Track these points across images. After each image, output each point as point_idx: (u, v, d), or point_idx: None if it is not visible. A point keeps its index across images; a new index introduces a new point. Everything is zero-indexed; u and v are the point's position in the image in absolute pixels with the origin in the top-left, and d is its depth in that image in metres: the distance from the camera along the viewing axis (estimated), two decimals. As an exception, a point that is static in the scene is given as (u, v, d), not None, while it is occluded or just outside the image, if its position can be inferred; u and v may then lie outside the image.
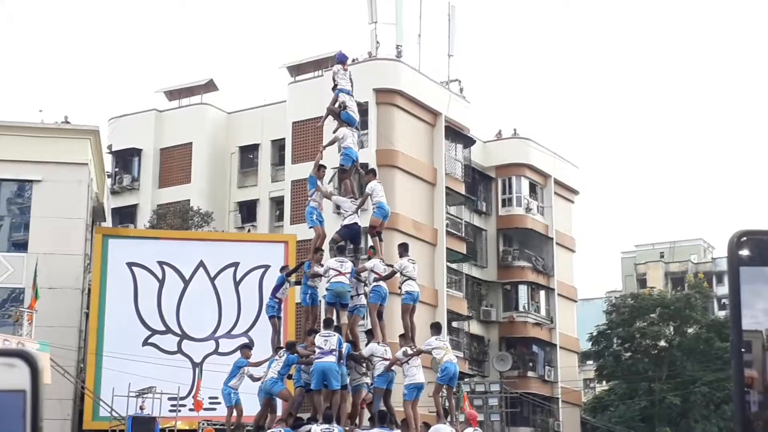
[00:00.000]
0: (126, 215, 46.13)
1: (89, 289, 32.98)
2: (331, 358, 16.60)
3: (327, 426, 16.20)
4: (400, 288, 18.19)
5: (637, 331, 50.27)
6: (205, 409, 28.34)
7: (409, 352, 17.15)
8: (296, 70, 45.04)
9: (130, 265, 32.80)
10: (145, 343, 32.32)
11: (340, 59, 20.71)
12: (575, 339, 51.44)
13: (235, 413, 18.94)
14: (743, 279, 1.70)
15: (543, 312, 49.08)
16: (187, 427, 29.17)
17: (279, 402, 18.23)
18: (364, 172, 19.87)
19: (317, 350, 16.71)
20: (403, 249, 18.62)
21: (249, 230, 43.97)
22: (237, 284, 33.52)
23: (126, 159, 46.89)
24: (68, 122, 35.39)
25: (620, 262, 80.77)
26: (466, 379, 38.43)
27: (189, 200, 44.26)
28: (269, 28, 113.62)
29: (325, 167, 20.03)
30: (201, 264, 33.46)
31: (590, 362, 56.73)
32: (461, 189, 44.77)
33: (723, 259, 71.65)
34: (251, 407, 18.78)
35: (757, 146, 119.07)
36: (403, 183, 40.64)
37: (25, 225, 32.62)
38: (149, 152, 46.29)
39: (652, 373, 49.09)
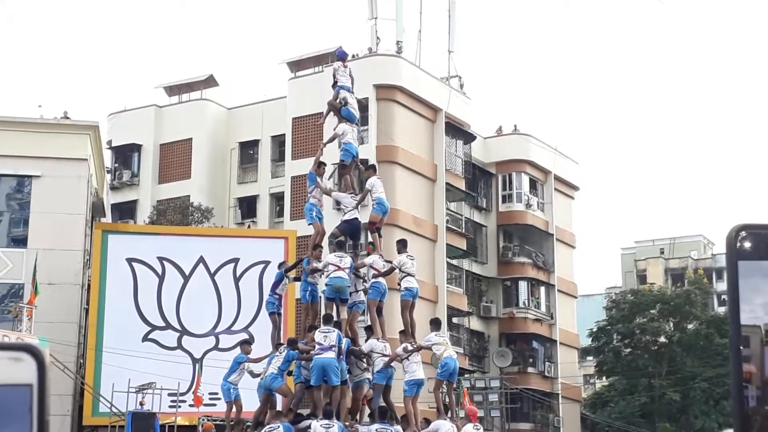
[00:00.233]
0: (126, 211, 46.13)
1: (89, 285, 32.99)
2: (331, 354, 16.59)
3: (327, 422, 16.20)
4: (399, 284, 18.19)
5: (637, 327, 50.33)
6: (205, 405, 28.33)
7: (409, 348, 17.16)
8: (296, 65, 45.03)
9: (129, 260, 32.80)
10: (145, 338, 32.33)
11: (340, 56, 20.72)
12: (575, 335, 51.46)
13: (234, 409, 18.94)
14: (742, 273, 1.69)
15: (543, 308, 49.11)
16: (187, 423, 29.17)
17: (279, 398, 18.23)
18: (364, 168, 19.87)
19: (317, 346, 16.71)
20: (402, 245, 18.62)
21: (249, 226, 43.97)
22: (237, 280, 33.53)
23: (126, 155, 46.89)
24: (68, 118, 35.37)
25: (620, 258, 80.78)
26: (466, 375, 38.47)
27: (189, 196, 44.26)
28: (269, 23, 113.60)
29: (324, 164, 20.02)
30: (201, 260, 33.46)
31: (590, 358, 56.84)
32: (461, 185, 44.77)
33: (723, 255, 71.51)
34: (251, 403, 18.78)
35: (757, 142, 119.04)
36: (403, 179, 40.63)
37: (25, 220, 32.63)
38: (149, 148, 46.28)
39: (652, 369, 49.15)
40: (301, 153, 41.13)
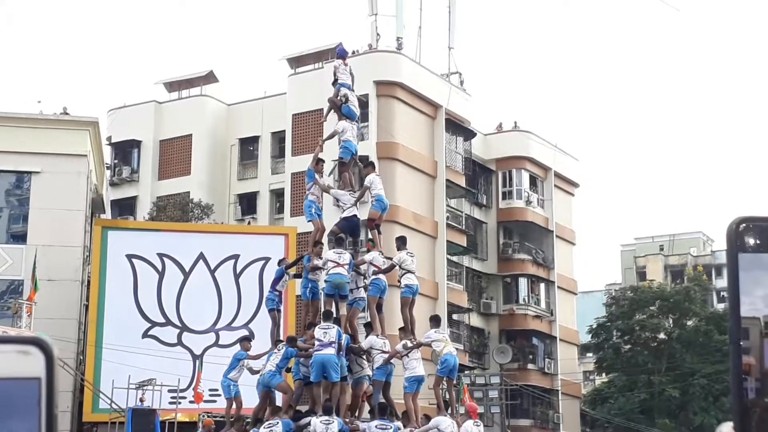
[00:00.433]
0: (125, 207, 46.11)
1: (89, 281, 32.99)
2: (331, 351, 16.59)
3: (327, 418, 16.20)
4: (399, 281, 18.20)
5: (636, 324, 50.36)
6: (206, 402, 28.35)
7: (409, 344, 17.17)
8: (296, 62, 44.99)
9: (129, 257, 32.79)
10: (145, 335, 32.33)
11: (341, 54, 20.72)
12: (575, 331, 51.50)
13: (234, 405, 18.95)
14: (742, 266, 1.69)
15: (543, 304, 49.13)
16: (187, 420, 29.16)
17: (278, 395, 18.23)
18: (363, 165, 19.86)
19: (317, 342, 16.71)
20: (402, 242, 18.63)
21: (249, 222, 43.96)
22: (237, 276, 33.53)
23: (125, 151, 46.85)
24: (67, 113, 35.34)
25: (620, 254, 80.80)
26: (466, 372, 38.48)
27: (189, 192, 44.23)
28: (269, 19, 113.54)
29: (323, 161, 20.01)
30: (201, 256, 33.46)
31: (590, 354, 56.82)
32: (461, 182, 44.76)
33: (722, 252, 71.65)
34: (251, 400, 18.79)
35: (757, 139, 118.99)
36: (403, 175, 40.62)
37: (24, 216, 32.61)
38: (149, 144, 46.25)
39: (652, 366, 49.18)
40: (301, 149, 41.11)
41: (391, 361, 17.33)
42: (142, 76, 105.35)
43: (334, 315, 17.46)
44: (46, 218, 31.51)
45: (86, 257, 33.15)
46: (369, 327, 17.99)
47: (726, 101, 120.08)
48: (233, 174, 46.02)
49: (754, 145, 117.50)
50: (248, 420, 18.44)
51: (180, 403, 28.79)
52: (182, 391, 29.01)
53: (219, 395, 22.46)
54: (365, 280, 18.20)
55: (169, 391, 28.75)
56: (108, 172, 42.98)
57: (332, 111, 19.93)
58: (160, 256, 33.12)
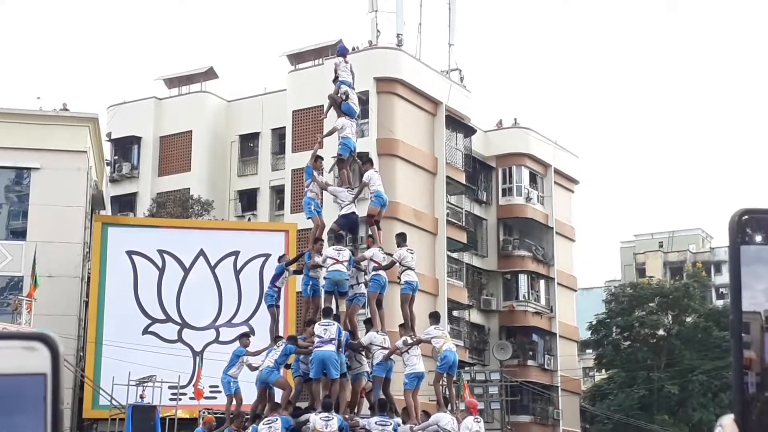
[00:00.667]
0: (125, 203, 46.09)
1: (89, 278, 32.97)
2: (331, 347, 16.59)
3: (326, 414, 16.20)
4: (399, 278, 18.19)
5: (636, 320, 50.37)
6: (206, 398, 28.33)
7: (409, 341, 17.16)
8: (296, 58, 44.95)
9: (129, 253, 32.78)
10: (145, 331, 32.33)
11: (341, 52, 20.72)
12: (575, 328, 51.51)
13: (234, 402, 18.95)
14: (744, 258, 1.69)
15: (543, 301, 49.13)
16: (187, 416, 29.17)
17: (277, 391, 18.22)
18: (362, 162, 19.84)
19: (317, 339, 16.71)
20: (401, 239, 18.61)
21: (249, 219, 43.94)
22: (237, 273, 33.51)
23: (125, 147, 46.82)
24: (67, 110, 35.31)
25: (619, 251, 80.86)
26: (466, 368, 38.50)
27: (189, 189, 44.21)
28: (269, 16, 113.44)
29: (322, 158, 19.97)
30: (201, 253, 33.45)
31: (589, 351, 56.86)
32: (462, 178, 44.74)
33: (721, 248, 71.75)
34: (251, 396, 18.78)
35: (756, 136, 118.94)
36: (403, 172, 40.60)
37: (24, 213, 32.60)
38: (149, 140, 46.21)
39: (651, 362, 49.21)
40: (301, 146, 41.07)
41: (391, 357, 17.33)
42: (142, 72, 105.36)
43: (334, 312, 17.46)
44: (46, 214, 31.50)
45: (86, 253, 33.14)
46: (369, 323, 18.00)
47: (725, 98, 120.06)
48: (233, 170, 45.99)
49: (753, 142, 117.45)
50: (248, 416, 18.45)
51: (180, 399, 28.80)
52: (182, 387, 29.01)
53: (219, 392, 22.48)
54: (365, 276, 18.20)
55: (170, 387, 28.74)
56: (108, 169, 42.94)
57: (332, 108, 19.91)
58: (161, 252, 33.11)
